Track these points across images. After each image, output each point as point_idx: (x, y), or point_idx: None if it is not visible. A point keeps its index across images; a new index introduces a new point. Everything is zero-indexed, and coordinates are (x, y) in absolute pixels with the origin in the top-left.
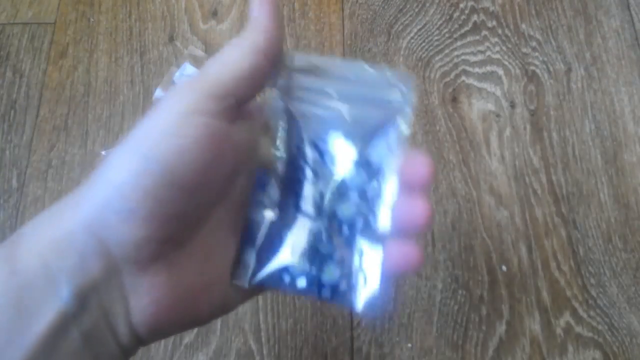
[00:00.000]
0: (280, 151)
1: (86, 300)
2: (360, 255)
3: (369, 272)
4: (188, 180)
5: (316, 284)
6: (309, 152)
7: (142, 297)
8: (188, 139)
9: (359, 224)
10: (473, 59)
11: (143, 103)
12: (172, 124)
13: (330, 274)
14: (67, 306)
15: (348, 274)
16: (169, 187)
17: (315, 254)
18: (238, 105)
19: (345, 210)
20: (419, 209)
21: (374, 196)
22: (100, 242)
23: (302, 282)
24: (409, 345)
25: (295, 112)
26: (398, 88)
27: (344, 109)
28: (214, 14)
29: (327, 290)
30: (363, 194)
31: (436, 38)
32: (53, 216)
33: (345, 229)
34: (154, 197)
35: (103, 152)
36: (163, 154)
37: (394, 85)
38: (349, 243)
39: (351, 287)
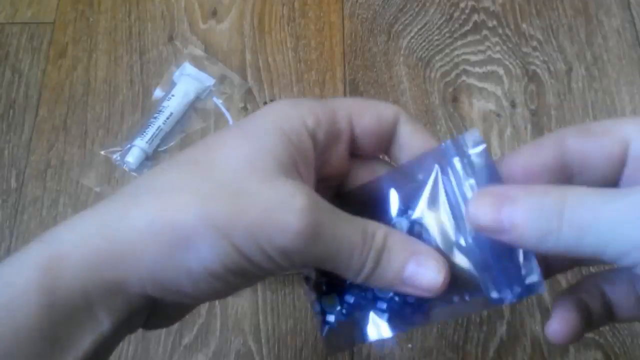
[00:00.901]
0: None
1: (122, 327)
2: (363, 319)
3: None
4: (258, 280)
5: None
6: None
7: (162, 315)
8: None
9: (381, 305)
10: (473, 58)
11: (142, 103)
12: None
13: (332, 306)
14: (105, 335)
15: (343, 316)
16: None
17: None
18: None
19: (381, 292)
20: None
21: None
22: (148, 294)
23: (316, 307)
24: (410, 345)
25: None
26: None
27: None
28: (214, 13)
29: (317, 310)
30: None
31: (436, 38)
32: (103, 249)
33: (369, 295)
34: (217, 292)
35: (102, 152)
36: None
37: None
38: (363, 308)
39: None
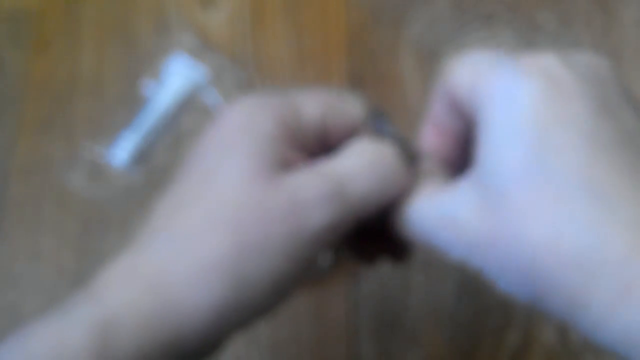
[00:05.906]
0: None
1: None
2: None
3: None
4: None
5: None
6: None
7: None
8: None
9: None
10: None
11: (132, 97)
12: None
13: None
14: None
15: None
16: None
17: None
18: None
19: None
20: None
21: None
22: (204, 343)
23: None
24: (417, 353)
25: None
26: None
27: None
28: (209, 1)
29: None
30: None
31: (445, 29)
32: (155, 307)
33: None
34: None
35: (89, 150)
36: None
37: None
38: None
39: None
